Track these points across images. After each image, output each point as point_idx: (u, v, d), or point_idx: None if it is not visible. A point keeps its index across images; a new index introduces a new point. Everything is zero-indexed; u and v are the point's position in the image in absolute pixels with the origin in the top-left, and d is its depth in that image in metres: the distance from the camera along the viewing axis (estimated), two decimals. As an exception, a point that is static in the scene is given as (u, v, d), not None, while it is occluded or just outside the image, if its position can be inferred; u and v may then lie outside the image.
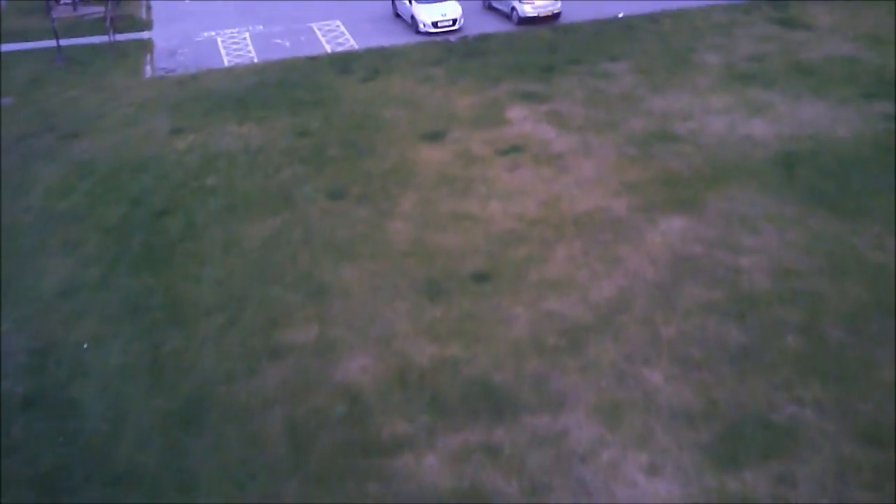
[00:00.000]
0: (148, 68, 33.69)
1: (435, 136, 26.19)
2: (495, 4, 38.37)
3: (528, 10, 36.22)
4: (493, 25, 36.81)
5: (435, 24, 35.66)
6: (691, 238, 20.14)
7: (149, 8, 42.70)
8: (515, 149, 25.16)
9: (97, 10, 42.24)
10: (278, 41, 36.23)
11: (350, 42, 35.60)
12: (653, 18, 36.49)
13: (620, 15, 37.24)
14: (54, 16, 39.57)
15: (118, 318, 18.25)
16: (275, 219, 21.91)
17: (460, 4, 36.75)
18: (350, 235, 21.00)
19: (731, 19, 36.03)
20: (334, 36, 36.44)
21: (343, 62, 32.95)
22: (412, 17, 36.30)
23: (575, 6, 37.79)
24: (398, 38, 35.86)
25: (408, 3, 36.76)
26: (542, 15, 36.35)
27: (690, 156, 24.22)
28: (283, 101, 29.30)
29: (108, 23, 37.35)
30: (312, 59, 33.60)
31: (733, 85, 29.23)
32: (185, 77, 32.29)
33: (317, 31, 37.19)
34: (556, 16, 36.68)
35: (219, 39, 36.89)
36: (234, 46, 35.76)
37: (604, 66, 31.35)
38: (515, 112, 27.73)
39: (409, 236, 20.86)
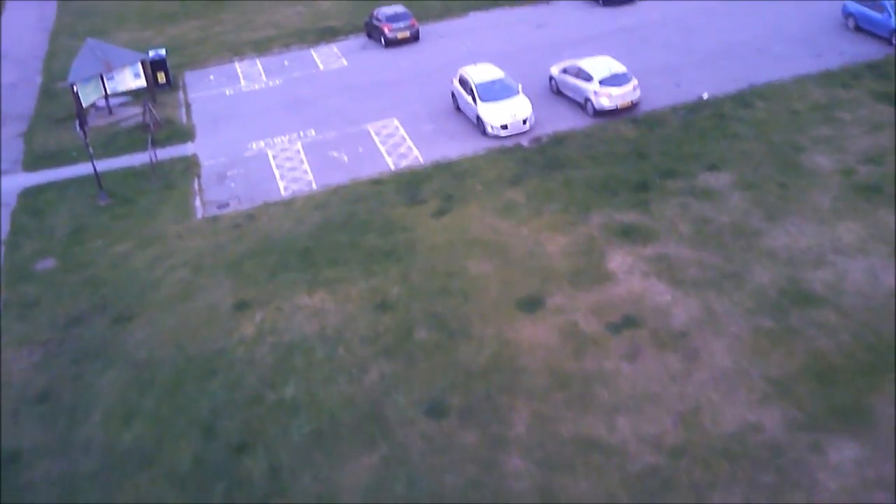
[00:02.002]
0: (198, 202, 30.84)
1: (532, 304, 23.17)
2: (566, 91, 34.91)
3: (604, 102, 32.82)
4: (565, 119, 33.54)
5: (504, 127, 32.36)
6: (871, 481, 16.97)
7: (188, 106, 39.80)
8: (629, 321, 22.08)
9: (134, 111, 39.53)
10: (335, 154, 33.23)
11: (413, 151, 32.52)
12: (743, 100, 33.03)
13: (704, 96, 33.82)
14: (90, 123, 36.95)
15: None
16: (371, 455, 19.03)
17: (526, 92, 33.58)
18: (462, 484, 18.07)
19: (832, 98, 32.47)
20: (394, 143, 33.37)
21: (410, 186, 29.90)
22: (478, 117, 33.01)
23: (651, 86, 34.50)
24: (464, 142, 32.75)
25: (471, 101, 33.41)
26: (620, 106, 32.93)
27: (837, 329, 20.97)
28: (353, 253, 26.35)
29: (149, 140, 34.57)
30: (376, 182, 30.57)
31: (858, 203, 25.85)
32: (240, 217, 29.42)
33: (374, 137, 34.14)
34: (634, 105, 33.25)
35: (269, 153, 33.96)
36: (288, 164, 32.83)
37: (704, 180, 28.06)
38: (617, 260, 24.58)
39: (533, 483, 17.88)
